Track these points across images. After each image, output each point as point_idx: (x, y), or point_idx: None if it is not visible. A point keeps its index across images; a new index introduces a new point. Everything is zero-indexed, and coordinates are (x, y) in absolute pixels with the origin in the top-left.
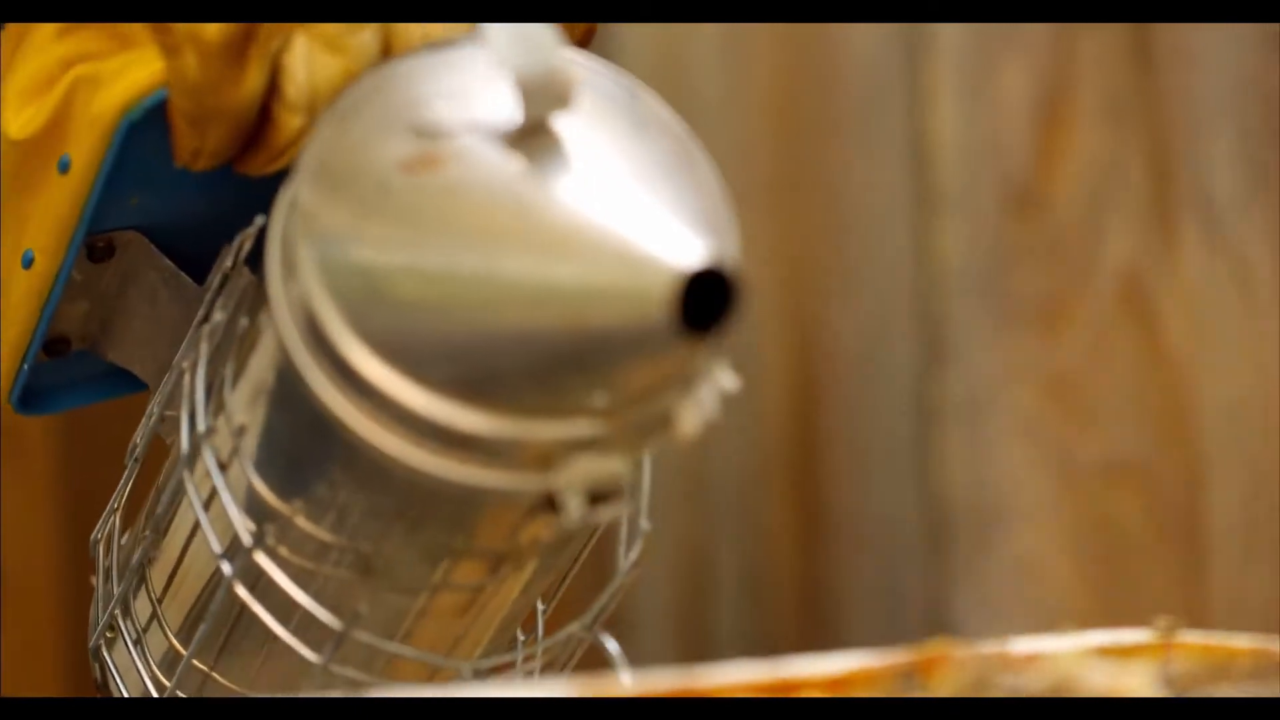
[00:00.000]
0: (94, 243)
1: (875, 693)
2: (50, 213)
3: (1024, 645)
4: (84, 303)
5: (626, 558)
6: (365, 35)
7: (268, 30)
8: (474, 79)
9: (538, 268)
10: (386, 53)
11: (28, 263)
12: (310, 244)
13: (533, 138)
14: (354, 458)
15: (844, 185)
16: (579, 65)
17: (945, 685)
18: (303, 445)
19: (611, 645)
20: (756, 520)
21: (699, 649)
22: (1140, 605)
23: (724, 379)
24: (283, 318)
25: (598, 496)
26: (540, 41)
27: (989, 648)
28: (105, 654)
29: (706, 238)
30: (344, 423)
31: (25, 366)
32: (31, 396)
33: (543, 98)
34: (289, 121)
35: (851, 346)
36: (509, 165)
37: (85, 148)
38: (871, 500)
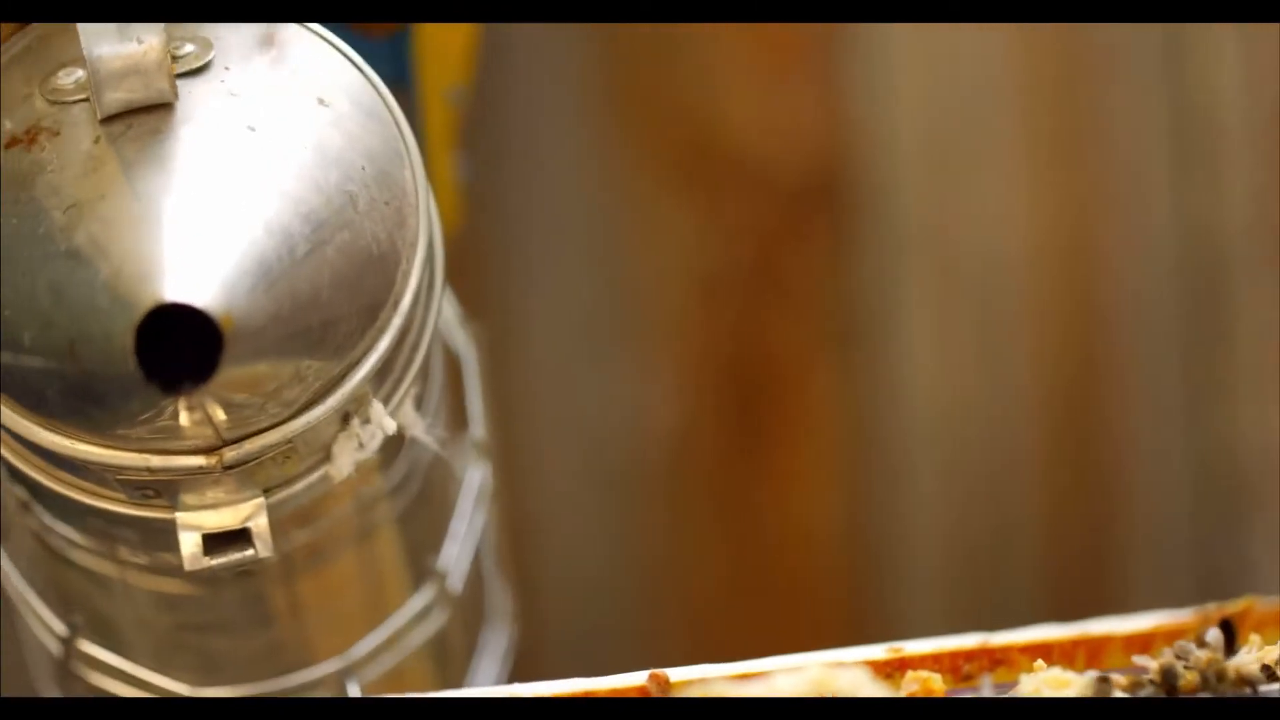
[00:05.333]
0: None
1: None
2: None
3: None
4: None
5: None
6: None
7: None
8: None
9: (57, 278)
10: None
11: None
12: None
13: (126, 123)
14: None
15: (1112, 152)
16: (226, 42)
17: (1257, 640)
18: None
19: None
20: (1036, 491)
21: (989, 616)
22: None
23: (385, 422)
24: None
25: (220, 538)
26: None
27: None
28: None
29: (215, 274)
30: None
31: None
32: None
33: (125, 83)
34: None
35: (1126, 316)
36: (87, 153)
37: None
38: (1148, 467)
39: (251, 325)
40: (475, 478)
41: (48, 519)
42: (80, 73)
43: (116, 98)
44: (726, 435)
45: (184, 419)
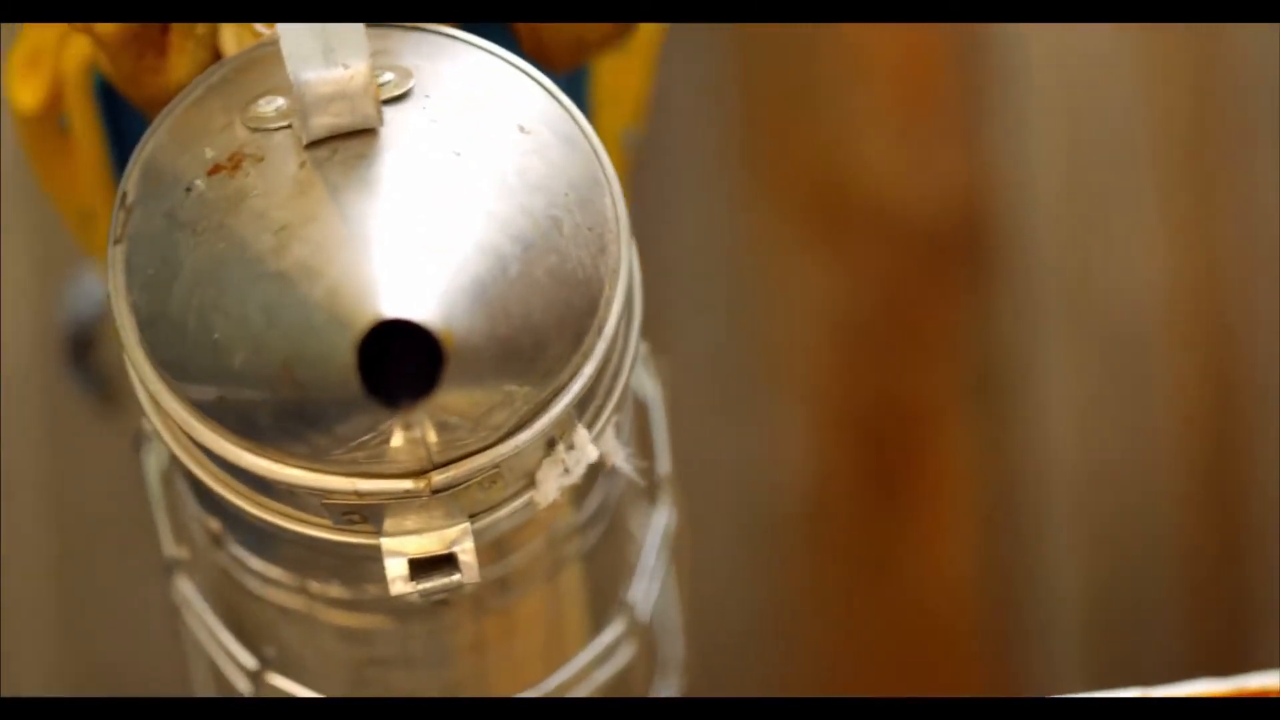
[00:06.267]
0: None
1: None
2: (80, 175)
3: None
4: None
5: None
6: None
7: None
8: None
9: (267, 300)
10: None
11: (89, 220)
12: (122, 246)
13: (331, 148)
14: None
15: (1249, 199)
16: (454, 66)
17: None
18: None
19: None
20: (1178, 533)
21: (1130, 668)
22: None
23: (589, 449)
24: (114, 312)
25: (426, 564)
26: (337, 40)
27: None
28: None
29: (434, 291)
30: (169, 445)
31: None
32: None
33: (331, 108)
34: None
35: (1266, 363)
36: (293, 178)
37: (74, 106)
38: None
39: (470, 343)
40: (663, 515)
41: (240, 551)
42: (281, 101)
43: (323, 122)
44: (863, 486)
45: (398, 440)
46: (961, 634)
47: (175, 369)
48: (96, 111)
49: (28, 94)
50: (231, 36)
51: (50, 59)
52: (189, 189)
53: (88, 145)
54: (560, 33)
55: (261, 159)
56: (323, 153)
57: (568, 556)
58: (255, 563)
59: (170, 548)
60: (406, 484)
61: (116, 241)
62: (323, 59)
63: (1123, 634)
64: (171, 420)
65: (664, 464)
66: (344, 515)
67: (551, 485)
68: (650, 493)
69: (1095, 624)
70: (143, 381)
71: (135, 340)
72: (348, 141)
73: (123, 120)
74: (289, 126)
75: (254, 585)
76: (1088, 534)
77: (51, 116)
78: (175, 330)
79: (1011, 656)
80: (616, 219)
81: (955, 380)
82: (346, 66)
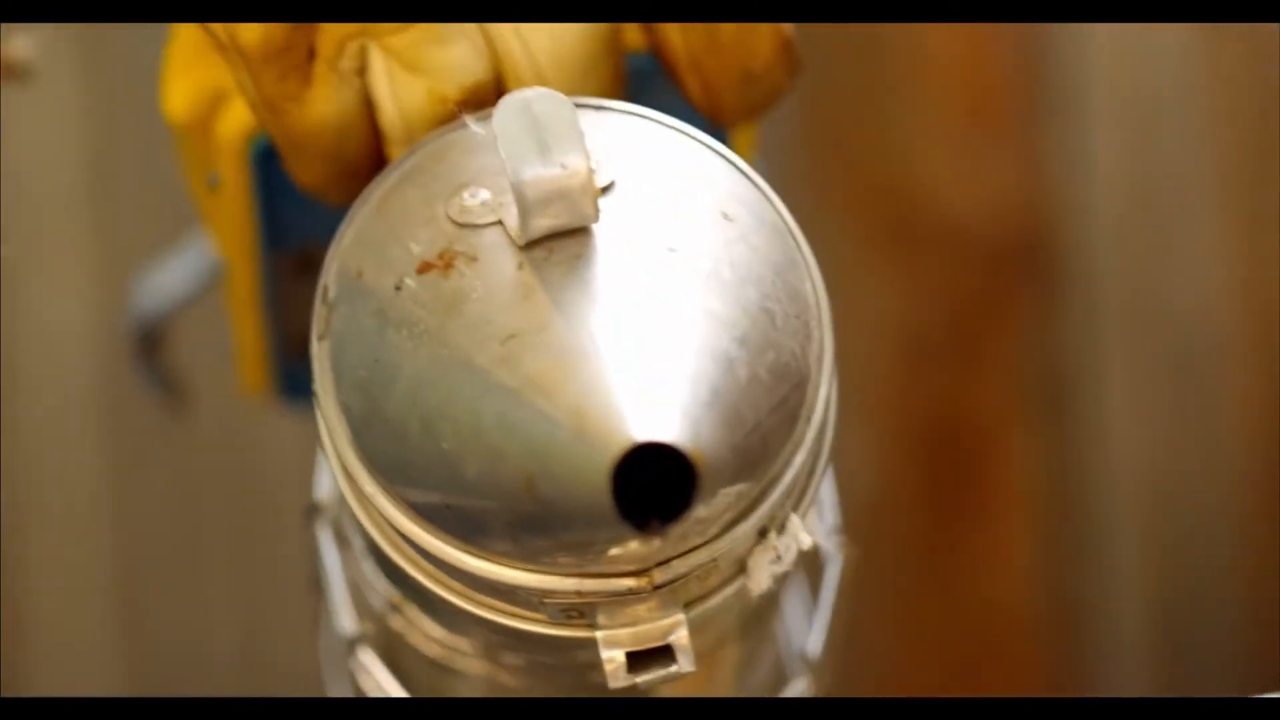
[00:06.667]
0: (294, 259)
1: None
2: (223, 225)
3: None
4: (310, 307)
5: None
6: (455, 51)
7: (329, 45)
8: None
9: (503, 411)
10: (495, 73)
11: (227, 269)
12: (328, 343)
13: (547, 248)
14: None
15: None
16: (650, 152)
17: None
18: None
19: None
20: (1241, 548)
21: (1193, 687)
22: None
23: (802, 537)
24: (317, 414)
25: (644, 655)
26: (553, 136)
27: None
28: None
29: (679, 407)
30: (375, 541)
31: (278, 369)
32: (295, 386)
33: (550, 208)
34: (393, 155)
35: None
36: (512, 280)
37: (228, 170)
38: None
39: (715, 457)
40: (835, 567)
41: (424, 622)
42: (485, 194)
43: (542, 224)
44: (926, 500)
45: (632, 547)
46: (1024, 648)
47: (392, 472)
48: (251, 177)
49: (177, 100)
50: (383, 78)
51: (203, 75)
52: (398, 287)
53: (237, 209)
54: (726, 67)
55: (475, 259)
56: (539, 253)
57: (760, 614)
58: (437, 631)
59: (350, 624)
60: (629, 582)
61: (321, 338)
62: (539, 157)
63: (1185, 649)
64: (380, 517)
65: (834, 515)
66: (562, 612)
67: (764, 573)
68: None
69: (1157, 640)
70: (352, 479)
71: (347, 440)
72: (562, 241)
73: (277, 191)
74: (498, 223)
75: (433, 651)
76: (1150, 549)
77: (201, 157)
78: (394, 434)
79: (1074, 670)
80: (817, 301)
81: (1018, 394)
82: (564, 166)
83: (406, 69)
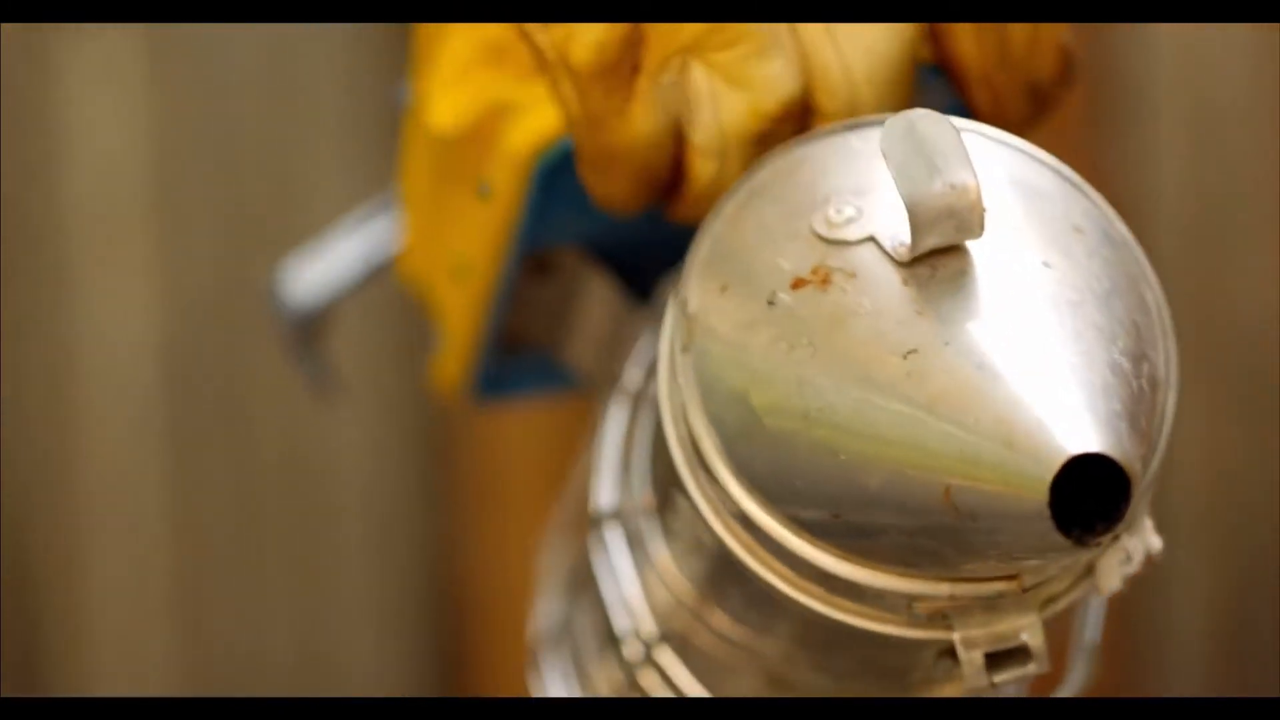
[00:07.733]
0: (531, 262)
1: None
2: (476, 231)
3: None
4: (532, 311)
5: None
6: (774, 66)
7: (654, 61)
8: (882, 175)
9: (912, 425)
10: (806, 90)
11: (464, 273)
12: (692, 356)
13: (929, 265)
14: (745, 580)
15: None
16: (1001, 168)
17: None
18: (701, 549)
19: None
20: None
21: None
22: None
23: (1152, 540)
24: (667, 422)
25: (999, 655)
26: (941, 157)
27: None
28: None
29: (1101, 419)
30: (728, 549)
31: (482, 367)
32: (490, 384)
33: (940, 227)
34: (703, 168)
35: None
36: (900, 296)
37: (504, 181)
38: None
39: (1139, 467)
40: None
41: (722, 622)
42: (851, 209)
43: (930, 241)
44: None
45: (1059, 557)
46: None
47: (770, 484)
48: (526, 189)
49: (440, 114)
50: (705, 92)
51: (476, 92)
52: (772, 302)
53: (501, 218)
54: (1014, 80)
55: (853, 274)
56: (923, 270)
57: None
58: (737, 632)
59: (649, 625)
60: (1000, 585)
61: (685, 350)
62: (930, 177)
63: (1244, 649)
64: (735, 521)
65: None
66: (925, 615)
67: (1114, 574)
68: None
69: (1216, 638)
70: (723, 488)
71: (717, 453)
72: (944, 258)
73: (551, 202)
74: (869, 239)
75: (720, 651)
76: (1211, 549)
77: (468, 167)
78: (776, 446)
79: (1133, 669)
80: (1158, 307)
81: None
82: (954, 185)
83: (730, 83)
